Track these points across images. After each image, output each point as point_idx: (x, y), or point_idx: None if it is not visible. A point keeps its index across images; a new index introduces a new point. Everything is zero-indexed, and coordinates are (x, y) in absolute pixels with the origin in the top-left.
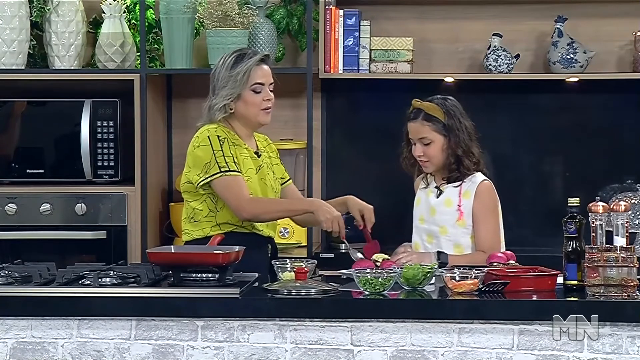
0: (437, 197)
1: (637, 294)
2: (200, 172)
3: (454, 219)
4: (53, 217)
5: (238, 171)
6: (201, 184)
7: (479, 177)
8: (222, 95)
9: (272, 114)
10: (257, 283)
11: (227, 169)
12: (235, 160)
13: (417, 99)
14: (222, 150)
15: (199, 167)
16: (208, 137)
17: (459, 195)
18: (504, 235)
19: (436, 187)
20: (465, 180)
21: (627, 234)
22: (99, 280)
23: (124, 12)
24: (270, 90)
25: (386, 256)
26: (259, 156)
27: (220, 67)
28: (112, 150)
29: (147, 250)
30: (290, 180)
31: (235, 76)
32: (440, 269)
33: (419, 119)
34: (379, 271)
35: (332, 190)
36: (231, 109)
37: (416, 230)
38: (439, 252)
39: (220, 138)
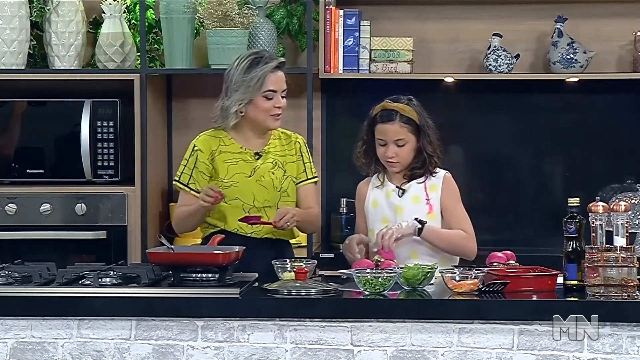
0: (401, 197)
1: (637, 294)
2: None
3: (424, 213)
4: (53, 217)
5: (184, 183)
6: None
7: (440, 170)
8: (234, 99)
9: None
10: (257, 283)
11: (177, 179)
12: (194, 173)
13: (389, 100)
14: (187, 160)
15: None
16: (192, 142)
17: (425, 190)
18: (503, 235)
19: (397, 187)
20: (428, 176)
21: (627, 234)
22: (99, 280)
23: (124, 12)
24: (283, 97)
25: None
26: (258, 157)
27: (234, 69)
28: (112, 150)
29: (147, 250)
30: (309, 181)
31: (249, 81)
32: (440, 269)
33: (396, 120)
34: (379, 271)
35: (332, 190)
36: (242, 113)
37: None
38: (416, 219)
39: (194, 148)
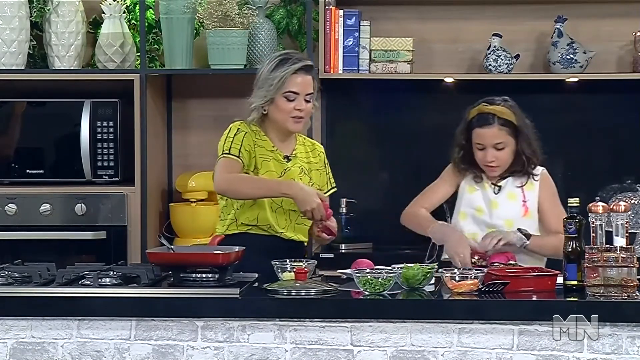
0: (497, 193)
1: (637, 294)
2: None
3: (519, 214)
4: (53, 217)
5: (236, 156)
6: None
7: (538, 168)
8: (258, 96)
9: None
10: (257, 283)
11: (227, 152)
12: (242, 150)
13: (485, 103)
14: (233, 137)
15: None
16: (230, 127)
17: (522, 191)
18: None
19: (493, 184)
20: (528, 179)
21: (627, 234)
22: (99, 280)
23: (124, 12)
24: (307, 101)
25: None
26: (288, 160)
27: (264, 67)
28: (112, 151)
29: (146, 251)
30: (330, 192)
31: (272, 80)
32: (441, 269)
33: (494, 124)
34: (379, 271)
35: None
36: (265, 111)
37: (474, 221)
38: (519, 229)
39: (239, 130)
